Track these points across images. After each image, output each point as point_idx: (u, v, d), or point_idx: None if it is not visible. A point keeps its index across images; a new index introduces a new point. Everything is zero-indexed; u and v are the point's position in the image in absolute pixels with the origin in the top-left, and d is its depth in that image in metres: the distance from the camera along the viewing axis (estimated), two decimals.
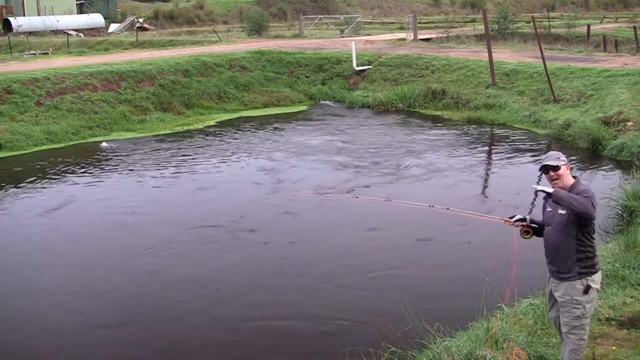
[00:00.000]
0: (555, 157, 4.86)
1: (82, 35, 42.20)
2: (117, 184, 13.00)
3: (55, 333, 7.22)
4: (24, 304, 7.89)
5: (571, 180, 4.84)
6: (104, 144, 16.63)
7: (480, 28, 33.68)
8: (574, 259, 4.74)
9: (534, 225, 4.98)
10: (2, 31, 41.95)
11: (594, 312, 6.17)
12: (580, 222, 4.68)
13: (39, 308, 7.78)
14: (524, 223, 4.97)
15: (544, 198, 4.90)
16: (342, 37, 35.34)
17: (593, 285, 4.77)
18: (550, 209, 4.92)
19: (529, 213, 5.19)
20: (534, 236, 5.04)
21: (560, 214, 4.78)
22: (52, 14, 46.32)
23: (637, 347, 5.57)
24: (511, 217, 5.05)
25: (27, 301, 7.96)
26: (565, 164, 4.84)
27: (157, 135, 17.64)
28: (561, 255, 4.79)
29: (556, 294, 4.92)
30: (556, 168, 4.82)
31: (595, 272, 4.79)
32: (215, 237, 10.04)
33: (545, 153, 14.70)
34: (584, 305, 4.76)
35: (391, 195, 11.58)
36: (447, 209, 6.14)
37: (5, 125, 16.76)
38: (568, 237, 4.74)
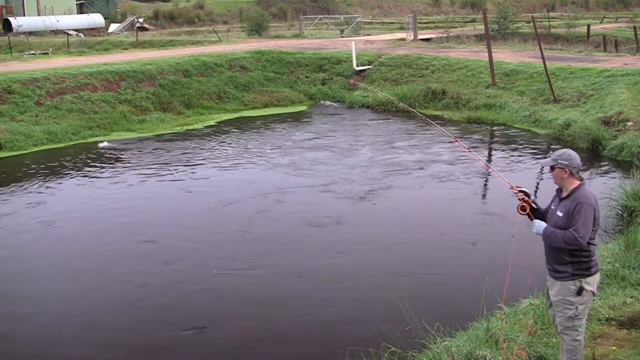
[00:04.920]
0: (553, 157, 4.84)
1: (82, 35, 42.21)
2: (116, 185, 12.98)
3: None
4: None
5: (573, 185, 4.77)
6: (102, 143, 16.62)
7: (480, 28, 33.67)
8: (567, 260, 4.72)
9: (534, 205, 4.95)
10: (2, 31, 41.97)
11: (593, 313, 6.19)
12: None
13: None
14: (526, 198, 4.94)
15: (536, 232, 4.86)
16: (342, 37, 35.34)
17: (587, 288, 4.72)
18: (553, 207, 4.90)
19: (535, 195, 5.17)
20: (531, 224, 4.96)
21: (558, 215, 4.76)
22: (52, 14, 46.33)
23: (637, 347, 5.57)
24: (518, 187, 5.04)
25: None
26: (562, 168, 4.75)
27: (157, 135, 17.63)
28: (555, 255, 4.78)
29: (551, 293, 4.92)
30: (552, 168, 4.82)
31: (590, 275, 4.72)
32: (215, 238, 10.06)
33: (545, 153, 14.80)
34: (576, 307, 4.73)
35: (388, 197, 11.58)
36: (469, 149, 6.44)
37: (5, 125, 16.76)
38: None
